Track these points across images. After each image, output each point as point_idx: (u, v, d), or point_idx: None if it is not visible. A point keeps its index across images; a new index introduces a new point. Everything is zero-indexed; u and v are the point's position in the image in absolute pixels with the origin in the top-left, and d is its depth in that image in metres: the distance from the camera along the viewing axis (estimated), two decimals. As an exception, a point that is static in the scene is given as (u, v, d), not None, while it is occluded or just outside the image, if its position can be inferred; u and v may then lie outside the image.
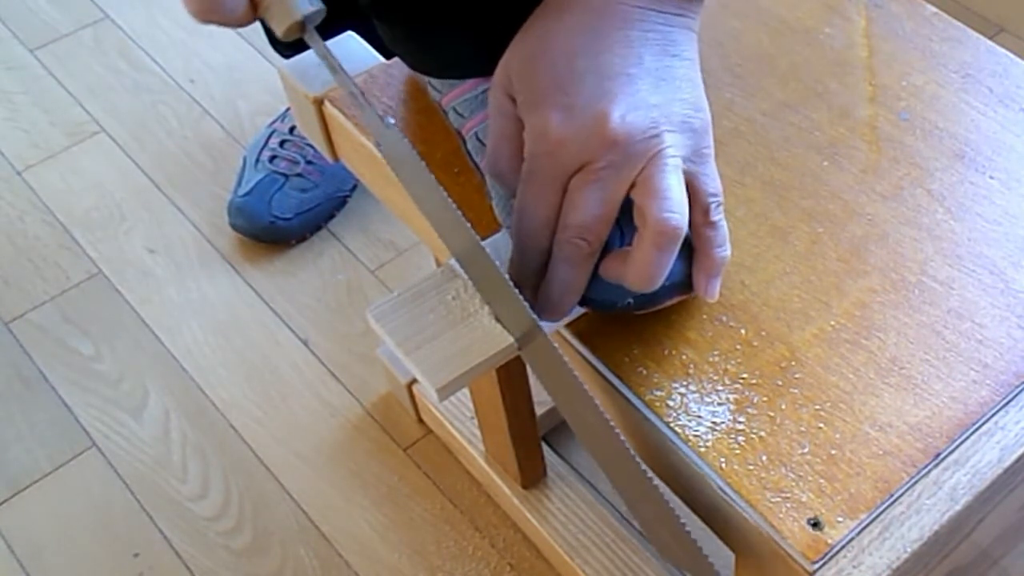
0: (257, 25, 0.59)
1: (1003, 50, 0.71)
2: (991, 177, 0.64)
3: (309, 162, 1.24)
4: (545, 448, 0.97)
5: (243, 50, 1.46)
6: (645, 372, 0.57)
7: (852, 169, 0.65)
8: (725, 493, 0.52)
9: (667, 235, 0.51)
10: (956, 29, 0.73)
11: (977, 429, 0.54)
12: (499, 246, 0.58)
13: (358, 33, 0.75)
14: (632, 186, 0.52)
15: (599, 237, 0.53)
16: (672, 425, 0.54)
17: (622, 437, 0.51)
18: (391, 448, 1.07)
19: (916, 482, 0.52)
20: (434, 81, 0.67)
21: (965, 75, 0.70)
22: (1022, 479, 0.56)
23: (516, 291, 0.53)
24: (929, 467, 0.53)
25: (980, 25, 1.39)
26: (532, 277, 0.55)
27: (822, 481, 0.52)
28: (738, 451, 0.53)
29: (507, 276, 0.54)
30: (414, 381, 1.04)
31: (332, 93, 0.71)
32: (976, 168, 0.65)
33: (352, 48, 0.74)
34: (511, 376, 0.83)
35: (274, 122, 1.28)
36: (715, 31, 0.73)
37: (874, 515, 0.51)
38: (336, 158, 0.76)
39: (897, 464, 0.52)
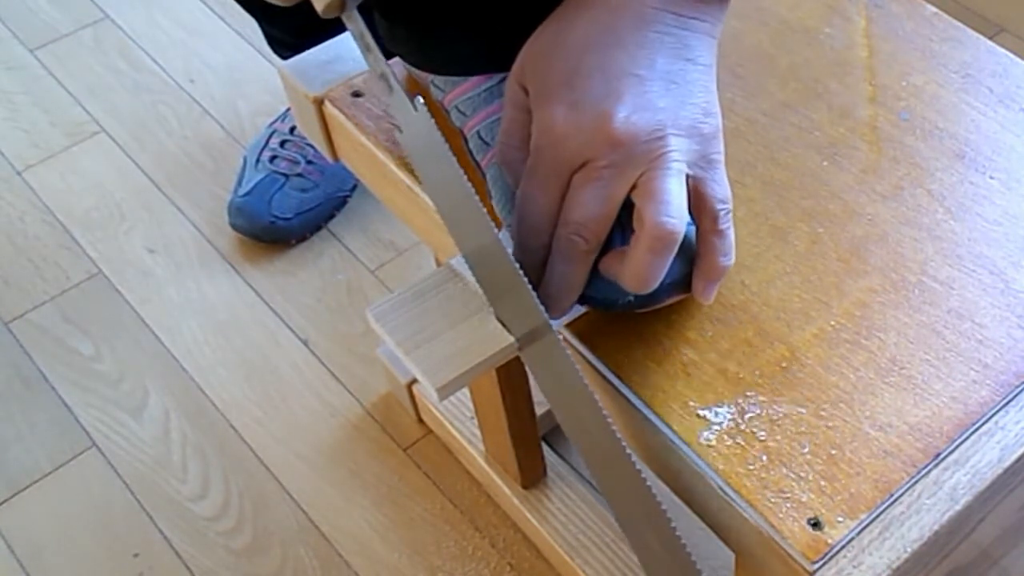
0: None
1: (1003, 50, 0.71)
2: (991, 177, 0.64)
3: (309, 162, 1.24)
4: (545, 448, 0.97)
5: (243, 50, 1.46)
6: (645, 372, 0.57)
7: (852, 169, 0.65)
8: (725, 493, 0.52)
9: (662, 240, 0.51)
10: (956, 29, 0.73)
11: (977, 429, 0.54)
12: None
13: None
14: (633, 187, 0.52)
15: (597, 235, 0.53)
16: (672, 425, 0.54)
17: (620, 439, 0.51)
18: (391, 448, 1.07)
19: (916, 482, 0.52)
20: (436, 80, 0.67)
21: (965, 75, 0.70)
22: (1022, 479, 0.56)
23: (529, 286, 0.53)
24: (929, 467, 0.53)
25: (980, 25, 1.39)
26: (531, 272, 0.54)
27: (822, 481, 0.52)
28: (738, 451, 0.53)
29: (520, 270, 0.53)
30: (414, 381, 1.04)
31: (332, 93, 0.71)
32: (976, 168, 0.65)
33: (352, 48, 0.74)
34: (511, 376, 0.83)
35: (274, 122, 1.28)
36: (715, 31, 0.73)
37: (874, 515, 0.51)
38: (336, 158, 0.76)
39: (897, 464, 0.52)
